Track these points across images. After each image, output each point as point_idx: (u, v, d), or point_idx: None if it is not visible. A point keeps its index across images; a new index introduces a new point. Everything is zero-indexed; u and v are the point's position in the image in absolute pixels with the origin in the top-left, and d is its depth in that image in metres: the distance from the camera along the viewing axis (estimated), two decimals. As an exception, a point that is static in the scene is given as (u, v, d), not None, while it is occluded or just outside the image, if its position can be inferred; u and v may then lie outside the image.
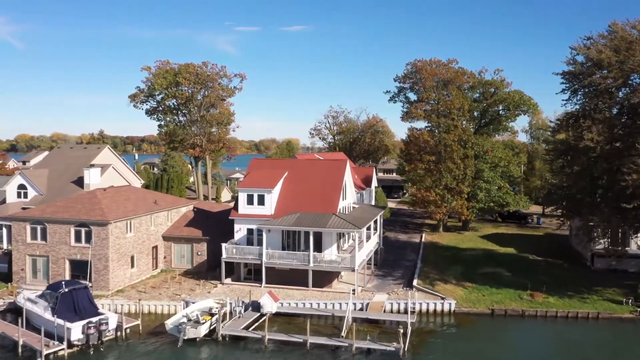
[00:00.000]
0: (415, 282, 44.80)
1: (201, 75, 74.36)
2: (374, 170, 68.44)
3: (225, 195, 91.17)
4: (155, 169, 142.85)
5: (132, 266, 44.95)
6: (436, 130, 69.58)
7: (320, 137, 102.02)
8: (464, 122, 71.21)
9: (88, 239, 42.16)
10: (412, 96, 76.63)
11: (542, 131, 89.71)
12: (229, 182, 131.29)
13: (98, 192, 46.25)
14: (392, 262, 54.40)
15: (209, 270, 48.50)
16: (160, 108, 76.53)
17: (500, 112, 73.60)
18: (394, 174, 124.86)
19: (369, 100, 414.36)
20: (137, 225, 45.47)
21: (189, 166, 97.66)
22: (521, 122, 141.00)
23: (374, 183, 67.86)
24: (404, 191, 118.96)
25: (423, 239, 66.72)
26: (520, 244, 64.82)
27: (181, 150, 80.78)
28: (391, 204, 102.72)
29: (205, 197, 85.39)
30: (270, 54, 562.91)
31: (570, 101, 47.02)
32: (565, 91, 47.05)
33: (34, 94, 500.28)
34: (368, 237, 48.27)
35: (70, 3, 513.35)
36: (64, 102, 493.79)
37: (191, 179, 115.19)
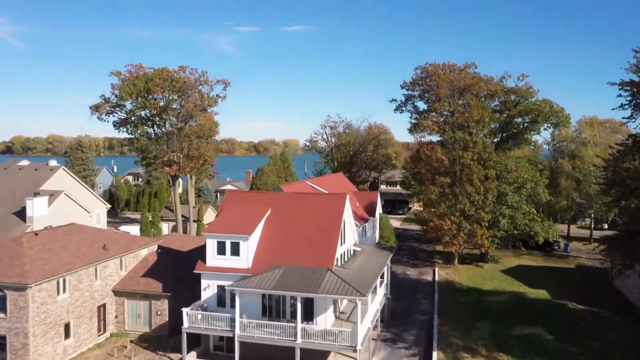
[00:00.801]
0: (435, 356, 34.44)
1: (177, 81, 63.89)
2: (378, 195, 58.02)
3: (210, 215, 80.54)
4: (140, 180, 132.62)
5: (67, 336, 34.55)
6: (451, 146, 59.34)
7: (316, 151, 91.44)
8: (483, 136, 60.94)
9: (3, 307, 31.79)
10: (422, 105, 66.60)
11: (567, 143, 79.21)
12: (218, 195, 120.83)
13: (25, 239, 35.81)
14: (402, 315, 44.11)
15: (172, 334, 38.08)
16: (131, 119, 65.93)
17: (525, 124, 63.31)
18: (398, 187, 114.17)
19: (370, 100, 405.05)
20: (74, 283, 35.07)
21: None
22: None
23: (379, 210, 57.51)
24: (409, 206, 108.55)
25: (437, 276, 56.38)
26: (552, 283, 54.66)
27: (155, 168, 70.30)
28: (395, 223, 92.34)
29: (185, 219, 75.11)
30: (270, 54, 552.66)
31: (633, 119, 36.83)
32: (626, 106, 36.86)
33: (33, 95, 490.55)
34: (374, 291, 37.89)
35: (70, 3, 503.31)
36: (63, 102, 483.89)
37: (179, 192, 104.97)
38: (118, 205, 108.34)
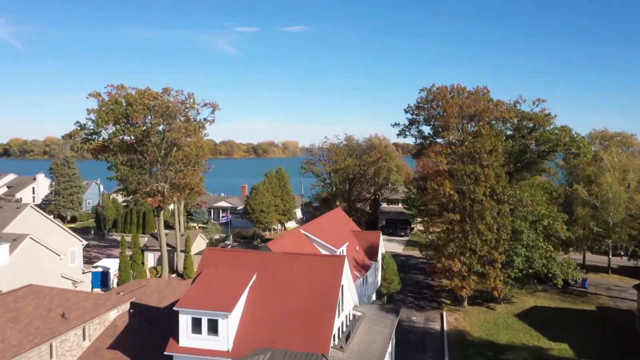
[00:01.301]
0: None
1: (161, 106, 58.36)
2: (381, 236, 52.51)
3: (199, 244, 74.86)
4: (130, 197, 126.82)
5: None
6: (460, 178, 53.82)
7: (313, 173, 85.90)
8: (495, 168, 55.42)
9: None
10: (426, 129, 61.18)
11: (582, 167, 73.64)
12: (212, 212, 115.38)
13: (-35, 314, 30.36)
14: (408, 385, 38.68)
15: (141, 419, 32.64)
16: (110, 147, 60.33)
17: (542, 153, 57.77)
18: (400, 205, 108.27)
19: (370, 100, 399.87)
20: (22, 368, 29.57)
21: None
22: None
23: (382, 250, 52.03)
24: (412, 227, 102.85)
25: (445, 324, 50.93)
26: (574, 333, 49.18)
27: (137, 198, 64.86)
28: (397, 247, 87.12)
29: (172, 249, 69.80)
30: (270, 54, 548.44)
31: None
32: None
33: (31, 97, 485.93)
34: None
35: (70, 3, 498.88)
36: (62, 104, 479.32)
37: (172, 209, 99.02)
38: (105, 226, 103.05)
